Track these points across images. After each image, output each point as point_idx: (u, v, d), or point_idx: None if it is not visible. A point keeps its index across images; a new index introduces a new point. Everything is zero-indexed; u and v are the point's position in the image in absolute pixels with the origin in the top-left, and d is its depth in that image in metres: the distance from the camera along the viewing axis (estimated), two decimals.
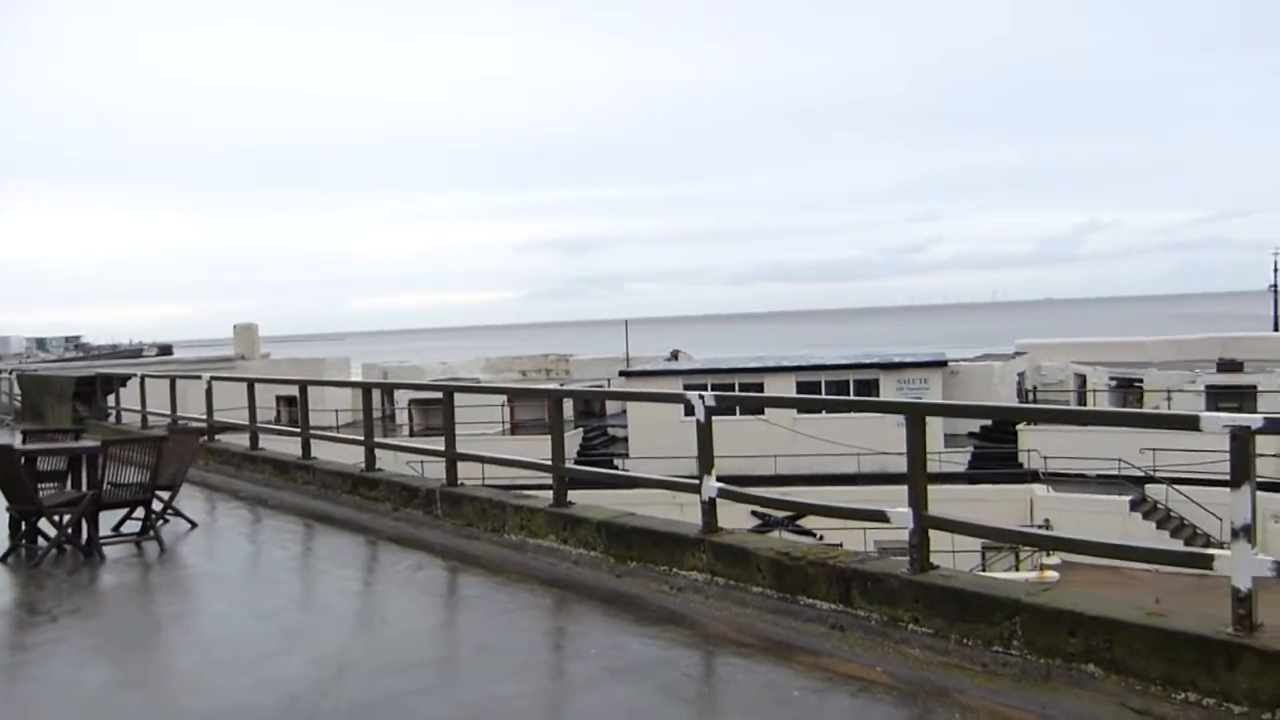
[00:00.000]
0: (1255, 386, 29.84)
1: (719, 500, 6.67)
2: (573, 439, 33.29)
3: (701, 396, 6.55)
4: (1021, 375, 36.82)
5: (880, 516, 5.80)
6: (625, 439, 33.81)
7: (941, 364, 33.64)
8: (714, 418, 6.65)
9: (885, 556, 6.05)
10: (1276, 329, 41.56)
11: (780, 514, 24.36)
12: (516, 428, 34.19)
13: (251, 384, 13.62)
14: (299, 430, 12.25)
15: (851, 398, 27.97)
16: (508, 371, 44.71)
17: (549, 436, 8.31)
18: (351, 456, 12.05)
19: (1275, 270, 45.32)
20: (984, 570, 24.08)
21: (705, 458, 6.63)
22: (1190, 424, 4.69)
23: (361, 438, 11.01)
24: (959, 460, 30.92)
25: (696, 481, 6.69)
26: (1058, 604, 4.94)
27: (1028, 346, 39.49)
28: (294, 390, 16.30)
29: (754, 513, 24.35)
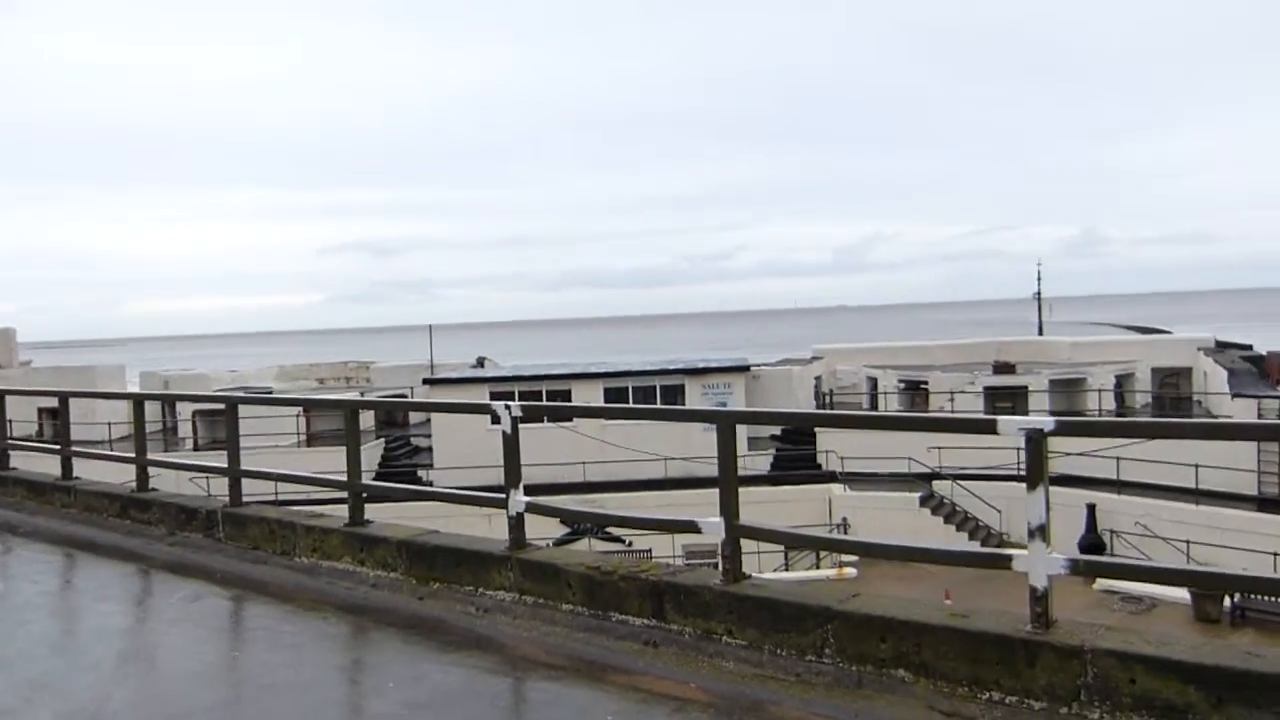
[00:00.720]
0: (1026, 387, 32.23)
1: (527, 513, 6.37)
2: (373, 450, 32.09)
3: (508, 406, 6.23)
4: (819, 379, 38.35)
5: (692, 527, 5.67)
6: (430, 449, 32.90)
7: (744, 369, 34.54)
8: (521, 426, 6.34)
9: (695, 568, 5.93)
10: (1041, 333, 45.13)
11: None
12: (313, 439, 32.64)
13: (1, 395, 12.20)
14: (59, 447, 11.04)
15: (660, 406, 28.30)
16: (304, 380, 42.67)
17: (342, 448, 7.75)
18: (123, 475, 10.97)
19: (1039, 279, 49.38)
20: (787, 568, 24.85)
21: (512, 470, 6.31)
22: (988, 427, 4.77)
23: (133, 454, 10.01)
24: (762, 463, 31.83)
25: (503, 496, 6.36)
26: (868, 610, 4.93)
27: (824, 351, 41.23)
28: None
29: (564, 520, 24.11)
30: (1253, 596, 19.08)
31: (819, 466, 31.38)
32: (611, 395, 32.93)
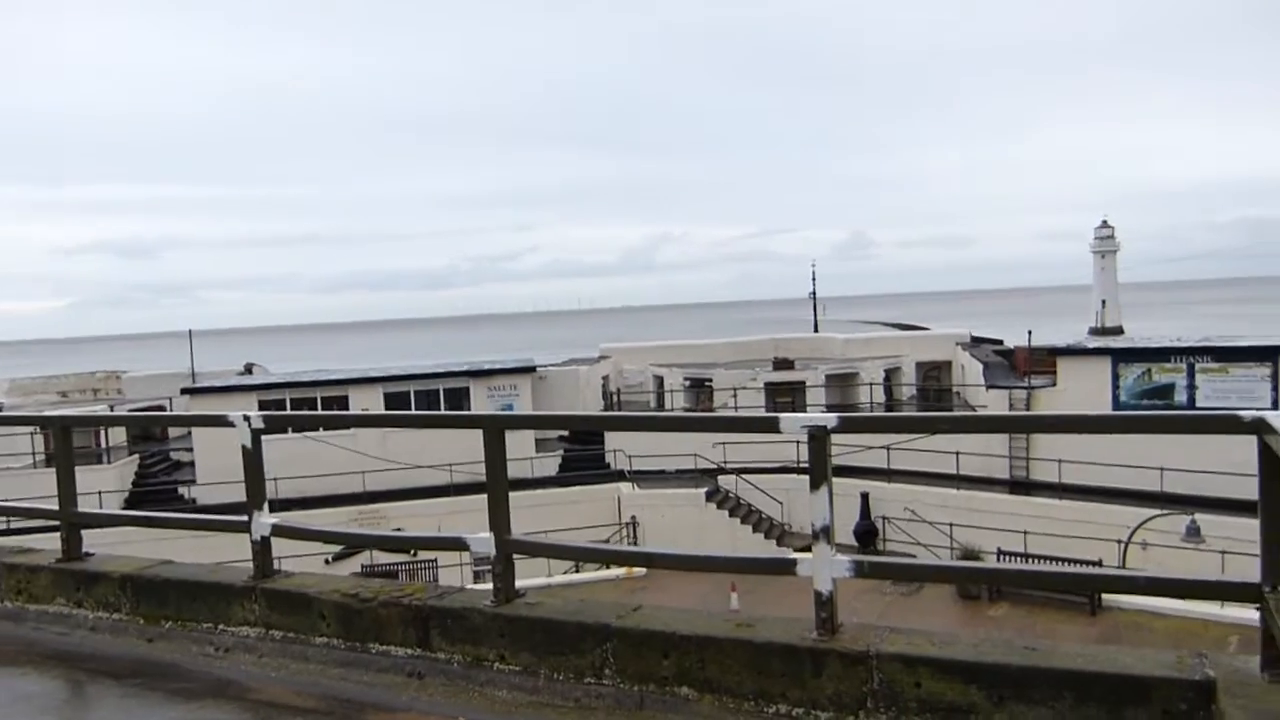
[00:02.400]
0: (804, 382, 33.46)
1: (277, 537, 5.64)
2: (127, 467, 29.41)
3: (246, 417, 5.50)
4: (606, 378, 38.43)
5: (460, 545, 5.16)
6: (193, 464, 30.50)
7: (530, 370, 34.10)
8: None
9: (464, 589, 5.41)
10: (817, 331, 47.18)
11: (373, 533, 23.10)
12: (51, 460, 29.54)
13: None
14: None
15: (426, 412, 27.35)
16: (42, 395, 38.57)
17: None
18: None
19: (813, 279, 51.67)
20: (577, 569, 24.55)
21: (255, 489, 5.58)
22: (771, 426, 4.53)
23: None
24: (550, 465, 31.52)
25: (245, 519, 5.61)
26: (649, 626, 4.59)
27: (610, 350, 41.37)
28: None
29: (325, 541, 22.89)
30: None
31: (607, 466, 31.38)
32: (392, 400, 31.67)
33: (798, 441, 4.39)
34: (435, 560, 24.05)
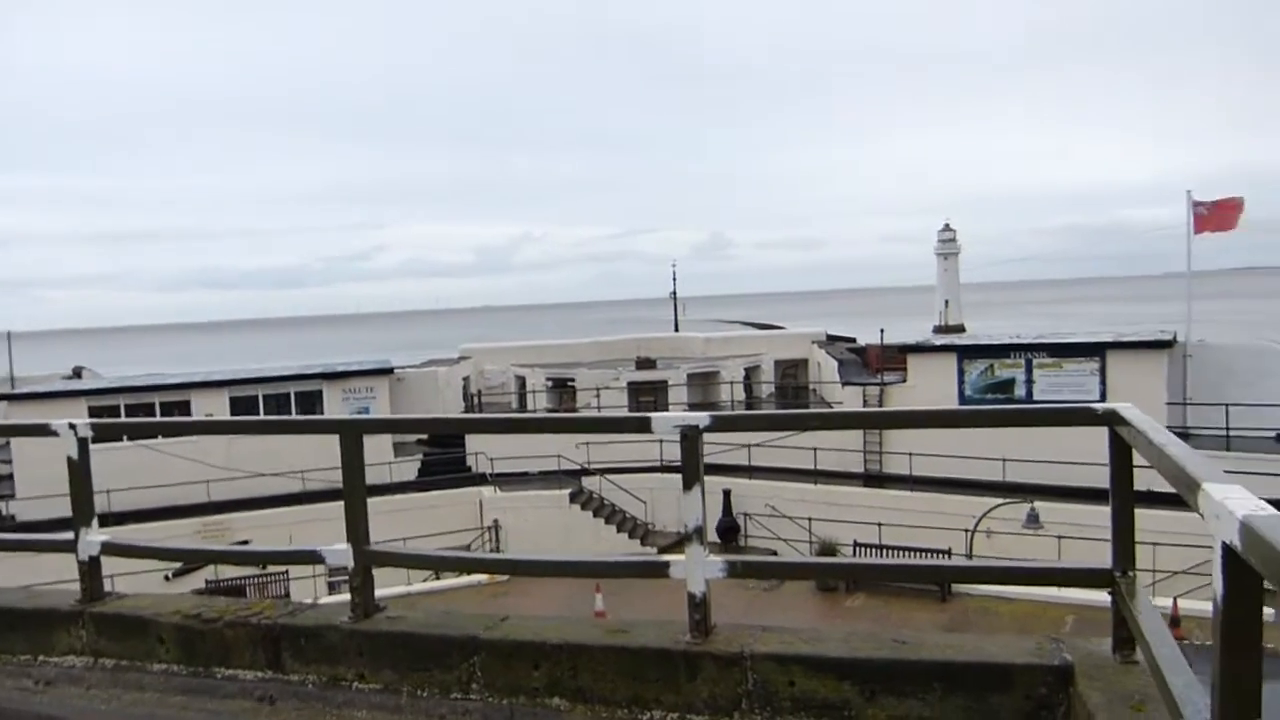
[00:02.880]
0: (666, 381, 33.71)
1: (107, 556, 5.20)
2: None
3: (72, 425, 5.04)
4: (466, 379, 37.79)
5: (315, 558, 4.86)
6: (11, 477, 28.39)
7: (388, 371, 33.21)
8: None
9: (319, 606, 5.11)
10: (678, 330, 47.64)
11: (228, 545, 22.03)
12: None
13: None
14: None
15: (278, 417, 26.32)
16: None
17: None
18: None
19: (674, 279, 52.17)
20: (438, 575, 23.99)
21: (82, 503, 5.12)
22: (642, 426, 4.42)
23: None
24: (410, 469, 30.78)
25: (71, 537, 5.14)
26: (519, 636, 4.41)
27: (471, 351, 40.70)
28: None
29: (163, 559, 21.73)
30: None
31: (469, 469, 30.85)
32: (239, 405, 30.25)
33: (662, 440, 4.31)
34: (286, 573, 23.08)
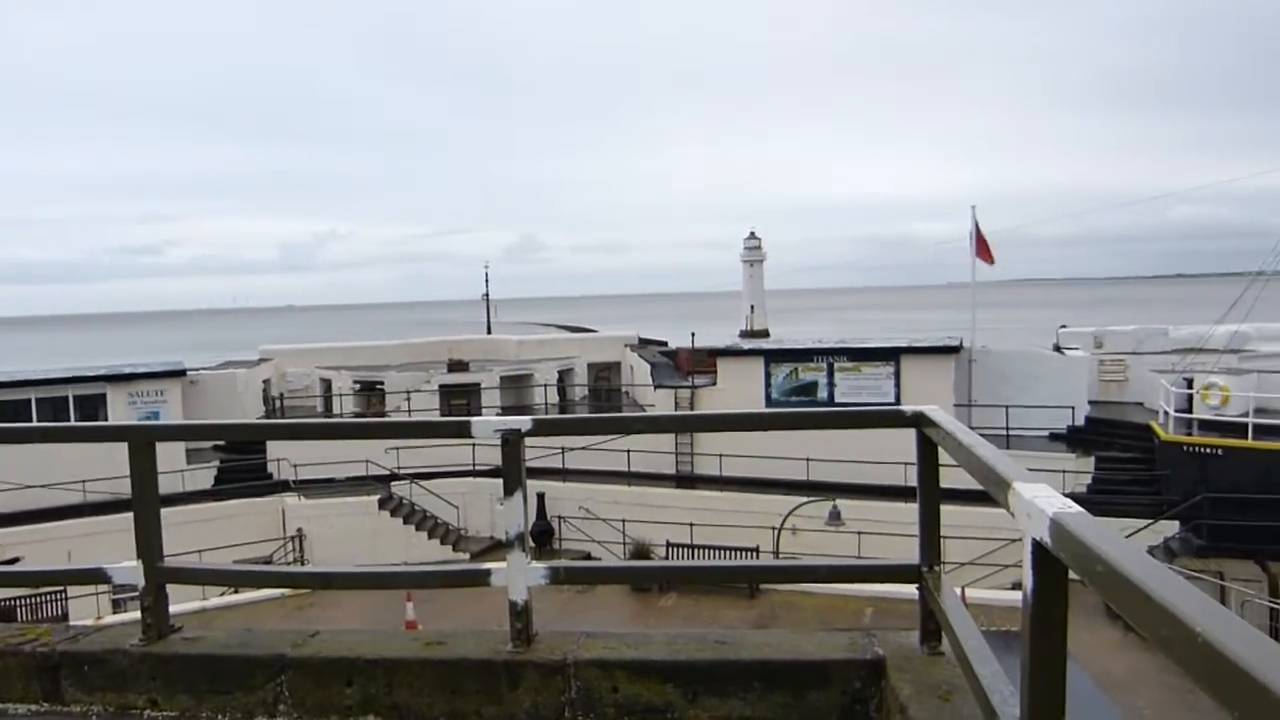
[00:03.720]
0: (479, 384, 33.25)
1: None
2: None
3: None
4: (267, 382, 36.05)
5: (100, 577, 4.45)
6: None
7: (180, 373, 31.24)
8: None
9: (108, 627, 4.69)
10: (490, 332, 47.14)
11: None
12: None
13: None
14: None
15: (54, 424, 24.37)
16: None
17: None
18: None
19: (486, 281, 51.63)
20: (236, 590, 22.72)
21: None
22: (461, 430, 4.30)
23: None
24: (205, 477, 29.08)
25: None
26: (330, 652, 4.19)
27: (272, 353, 38.84)
28: None
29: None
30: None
31: (270, 476, 29.40)
32: (8, 410, 27.72)
33: (476, 444, 4.21)
34: (64, 592, 21.28)
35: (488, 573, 4.31)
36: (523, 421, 4.17)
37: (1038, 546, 2.20)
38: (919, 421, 3.82)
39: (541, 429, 4.37)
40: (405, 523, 27.65)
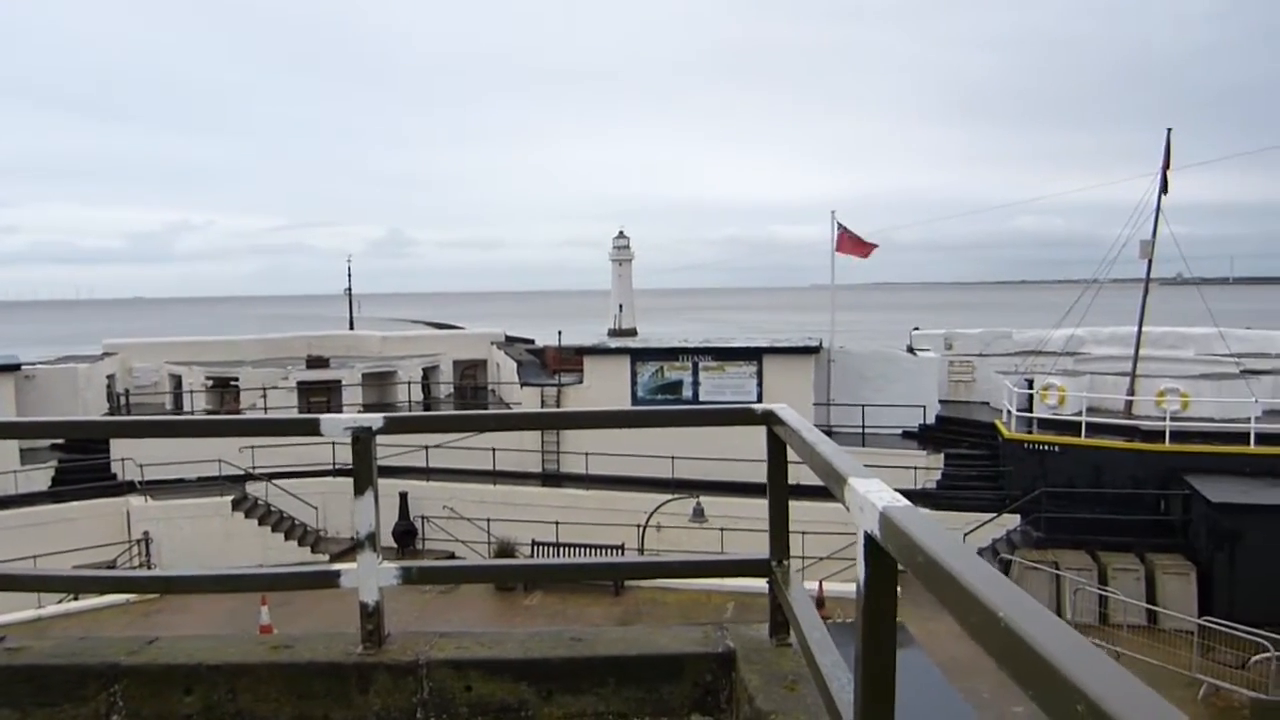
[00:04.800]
0: (340, 381, 32.39)
1: None
2: None
3: None
4: (112, 378, 34.23)
5: None
6: None
7: (13, 368, 29.35)
8: None
9: None
10: (353, 328, 45.98)
11: None
12: None
13: None
14: None
15: None
16: None
17: None
18: None
19: (349, 275, 50.30)
20: (76, 596, 21.48)
21: None
22: (310, 428, 4.19)
23: None
24: (42, 478, 27.42)
25: None
26: (169, 659, 4.02)
27: (118, 347, 36.83)
28: None
29: None
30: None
31: (114, 476, 27.90)
32: None
33: (334, 443, 4.13)
34: None
35: (337, 574, 4.22)
36: (374, 419, 4.09)
37: (869, 539, 2.29)
38: (768, 419, 3.92)
39: (393, 426, 4.30)
40: (261, 524, 26.68)
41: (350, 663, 3.99)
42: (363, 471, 4.08)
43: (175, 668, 3.99)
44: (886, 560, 2.26)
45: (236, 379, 32.70)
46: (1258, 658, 16.12)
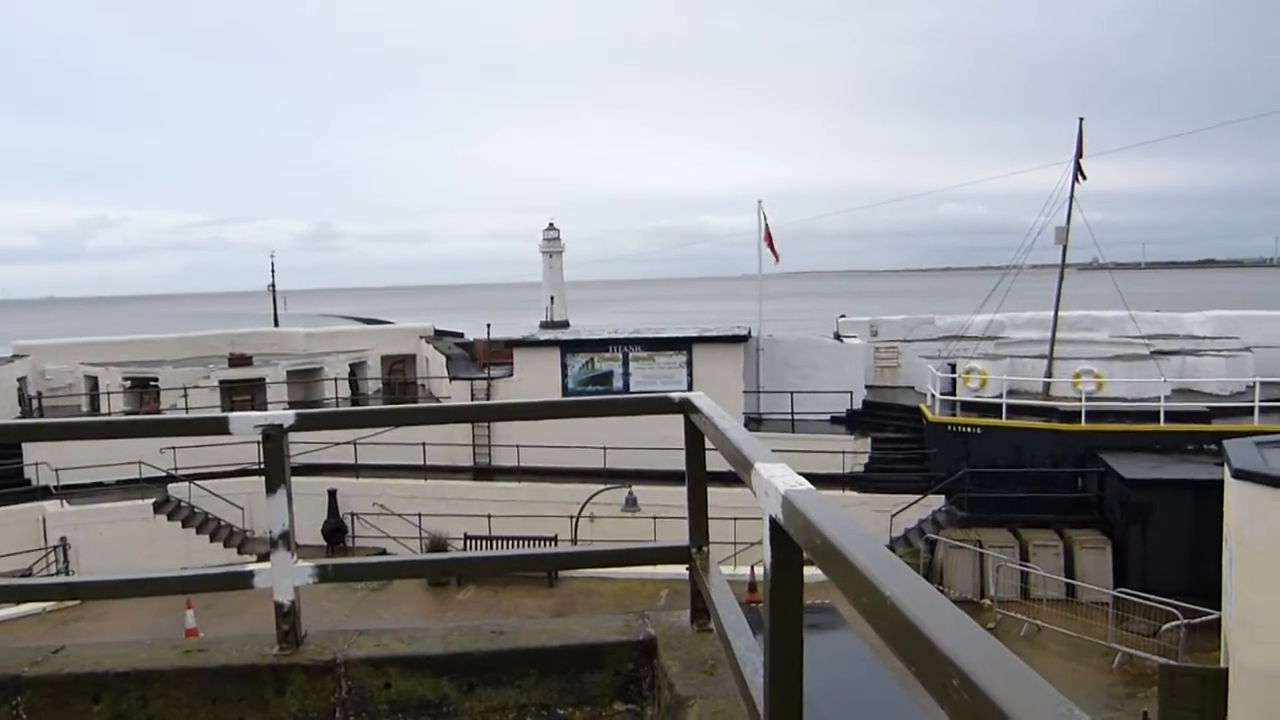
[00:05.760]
0: (264, 379, 31.73)
1: None
2: None
3: None
4: (23, 380, 33.08)
5: None
6: None
7: None
8: None
9: None
10: (277, 325, 45.07)
11: None
12: None
13: None
14: None
15: None
16: None
17: None
18: None
19: (273, 271, 49.28)
20: None
21: None
22: (220, 427, 4.10)
23: None
24: None
25: None
26: (75, 668, 3.91)
27: (29, 348, 35.59)
28: None
29: None
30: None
31: (28, 482, 26.99)
32: None
33: (257, 442, 4.06)
34: None
35: (251, 574, 4.15)
36: (285, 416, 4.03)
37: (773, 523, 2.31)
38: (685, 408, 3.95)
39: (306, 424, 4.22)
40: (185, 526, 26.07)
41: (265, 664, 3.93)
42: (274, 470, 4.01)
43: (82, 676, 3.88)
44: (790, 543, 2.28)
45: (156, 379, 31.83)
46: (1168, 626, 16.74)
